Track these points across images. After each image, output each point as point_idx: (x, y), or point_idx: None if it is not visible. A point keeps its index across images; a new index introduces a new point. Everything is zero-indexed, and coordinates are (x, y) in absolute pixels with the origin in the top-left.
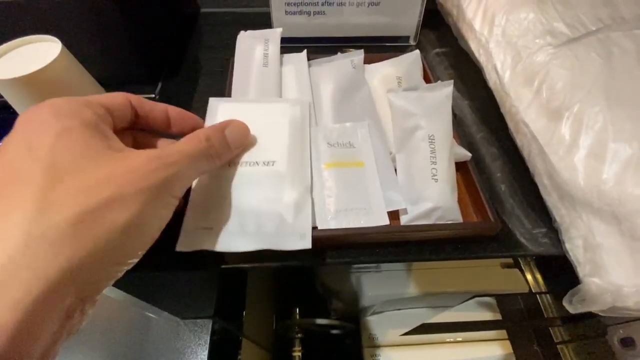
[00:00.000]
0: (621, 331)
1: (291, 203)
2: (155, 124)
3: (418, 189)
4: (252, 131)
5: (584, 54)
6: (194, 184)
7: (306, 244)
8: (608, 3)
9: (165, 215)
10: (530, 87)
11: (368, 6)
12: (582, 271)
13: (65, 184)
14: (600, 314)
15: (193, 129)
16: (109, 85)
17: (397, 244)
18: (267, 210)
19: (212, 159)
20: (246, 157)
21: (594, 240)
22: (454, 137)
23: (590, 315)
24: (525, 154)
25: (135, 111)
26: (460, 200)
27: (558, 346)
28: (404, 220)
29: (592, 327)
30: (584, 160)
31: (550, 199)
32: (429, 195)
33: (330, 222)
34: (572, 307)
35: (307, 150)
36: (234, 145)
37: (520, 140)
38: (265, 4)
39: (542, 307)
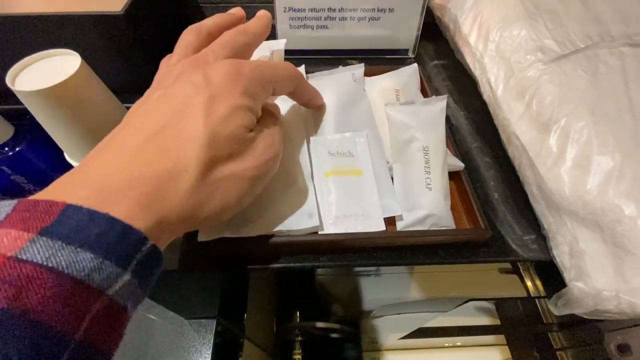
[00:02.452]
0: (618, 337)
1: (296, 188)
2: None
3: (413, 197)
4: None
5: (572, 71)
6: None
7: (314, 222)
8: (597, 21)
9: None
10: (522, 101)
11: (369, 20)
12: (567, 276)
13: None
14: (584, 316)
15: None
16: (121, 93)
17: (394, 249)
18: (275, 196)
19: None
20: None
21: (578, 247)
22: (448, 148)
23: (587, 321)
24: (516, 164)
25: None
26: (453, 208)
27: (557, 352)
28: (399, 226)
29: (589, 333)
30: (570, 172)
31: (539, 207)
32: (423, 203)
33: (330, 227)
34: (557, 309)
35: (304, 140)
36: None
37: (512, 151)
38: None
39: (541, 312)
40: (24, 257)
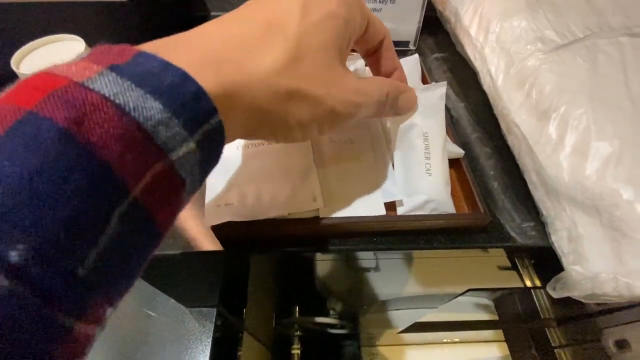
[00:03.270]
0: (616, 334)
1: (299, 172)
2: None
3: (413, 183)
4: None
5: (571, 60)
6: None
7: (319, 204)
8: (596, 12)
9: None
10: (521, 90)
11: None
12: (566, 261)
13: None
14: (581, 300)
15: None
16: None
17: (393, 234)
18: (279, 181)
19: (377, 112)
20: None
21: (576, 231)
22: (448, 135)
23: (584, 317)
24: (515, 152)
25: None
26: (454, 195)
27: (555, 351)
28: (400, 211)
29: (587, 330)
30: (569, 158)
31: (538, 194)
32: (424, 188)
33: (331, 211)
34: (554, 292)
35: None
36: (400, 111)
37: (511, 140)
38: None
39: (539, 309)
40: (91, 86)
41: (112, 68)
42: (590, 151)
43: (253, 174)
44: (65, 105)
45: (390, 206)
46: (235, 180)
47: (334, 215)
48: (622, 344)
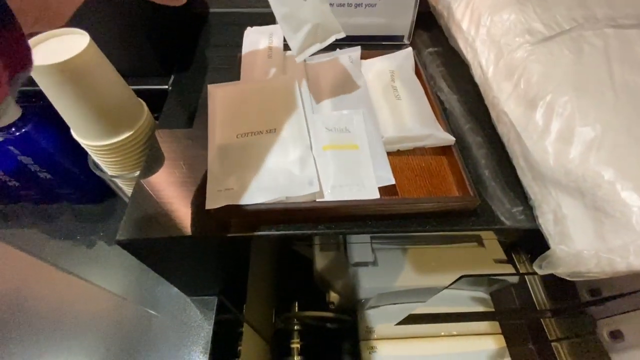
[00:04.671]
0: (610, 324)
1: (296, 159)
2: None
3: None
4: (251, 107)
5: (558, 51)
6: (209, 156)
7: (315, 188)
8: (582, 4)
9: None
10: (510, 81)
11: (365, 7)
12: (552, 242)
13: None
14: (567, 277)
15: None
16: (127, 76)
17: (387, 217)
18: (277, 167)
19: None
20: (251, 128)
21: (561, 212)
22: (440, 124)
23: (579, 307)
24: (505, 140)
25: None
26: (445, 180)
27: (552, 344)
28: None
29: (582, 322)
30: (554, 144)
31: (526, 179)
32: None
33: (328, 195)
34: (540, 270)
35: (302, 115)
36: None
37: (501, 129)
38: (269, 3)
39: (535, 302)
40: None
41: None
42: (574, 136)
43: (252, 160)
44: None
45: (384, 191)
46: (235, 167)
47: (329, 199)
48: (616, 335)
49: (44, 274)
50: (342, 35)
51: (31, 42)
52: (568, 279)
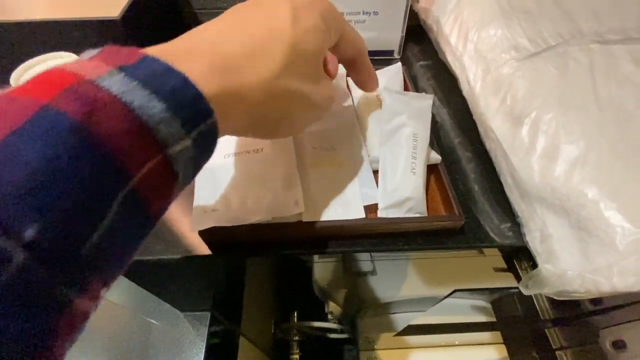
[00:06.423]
0: (613, 334)
1: (282, 178)
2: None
3: (396, 179)
4: None
5: (543, 67)
6: (197, 177)
7: (300, 208)
8: (569, 19)
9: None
10: (497, 96)
11: (355, 23)
12: (539, 260)
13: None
14: (553, 296)
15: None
16: None
17: (374, 236)
18: (263, 187)
19: None
20: (237, 148)
21: (547, 231)
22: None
23: (581, 317)
24: (492, 156)
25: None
26: (432, 199)
27: (557, 352)
28: (381, 205)
29: (585, 331)
30: (539, 161)
31: (513, 196)
32: (406, 185)
33: (313, 215)
34: (527, 290)
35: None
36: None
37: (489, 144)
38: None
39: (538, 310)
40: (101, 84)
41: (121, 69)
42: (559, 154)
43: (238, 181)
44: (78, 100)
45: (370, 209)
46: (221, 188)
47: (315, 219)
48: (619, 345)
49: None
50: None
51: (24, 66)
52: (555, 297)
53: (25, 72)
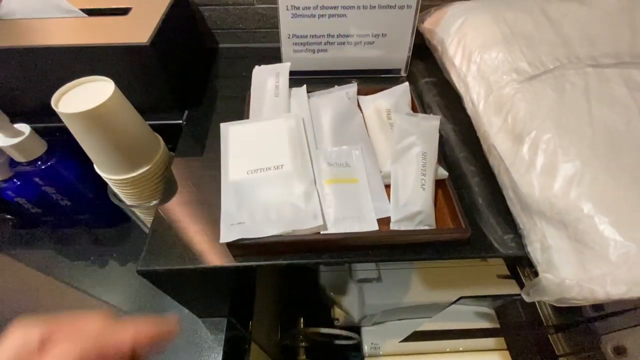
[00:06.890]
0: (614, 340)
1: (301, 193)
2: None
3: (408, 194)
4: (260, 144)
5: (541, 89)
6: (222, 192)
7: (319, 222)
8: (566, 44)
9: None
10: (499, 116)
11: (364, 45)
12: (540, 269)
13: None
14: (553, 304)
15: None
16: (145, 112)
17: (386, 247)
18: (283, 202)
19: None
20: (259, 165)
21: (547, 243)
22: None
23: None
24: (495, 171)
25: None
26: (440, 211)
27: (560, 358)
28: (393, 218)
29: (587, 336)
30: (539, 177)
31: (515, 209)
32: (416, 200)
33: (330, 227)
34: (528, 297)
35: (306, 152)
36: None
37: (491, 160)
38: (274, 39)
39: (541, 316)
40: None
41: None
42: (557, 171)
43: (261, 196)
44: None
45: (383, 221)
46: (245, 202)
47: (332, 232)
48: (620, 350)
49: (59, 293)
50: None
51: (63, 89)
52: (555, 304)
53: (65, 94)
